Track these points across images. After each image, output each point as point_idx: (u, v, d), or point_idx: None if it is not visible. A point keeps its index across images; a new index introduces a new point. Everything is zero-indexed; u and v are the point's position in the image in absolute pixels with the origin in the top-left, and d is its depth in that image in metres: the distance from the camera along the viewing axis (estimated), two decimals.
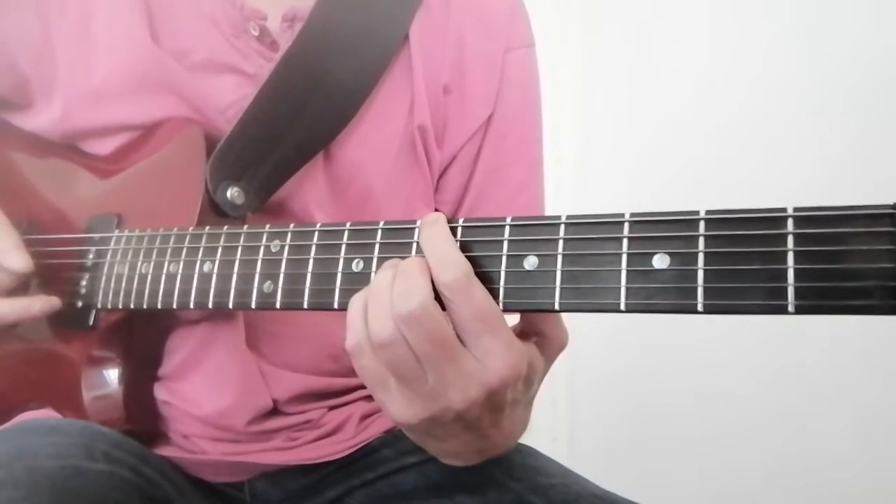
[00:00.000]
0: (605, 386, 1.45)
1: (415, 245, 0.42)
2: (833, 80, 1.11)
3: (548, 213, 0.63)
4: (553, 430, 1.47)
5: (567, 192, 1.47)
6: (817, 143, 1.12)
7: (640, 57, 1.41)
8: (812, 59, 1.14)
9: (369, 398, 0.66)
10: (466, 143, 0.63)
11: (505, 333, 0.38)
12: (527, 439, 0.61)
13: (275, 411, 0.61)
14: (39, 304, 0.56)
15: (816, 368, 1.15)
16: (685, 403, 1.31)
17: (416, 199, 0.63)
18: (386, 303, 0.38)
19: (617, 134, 1.45)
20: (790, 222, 0.33)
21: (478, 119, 0.63)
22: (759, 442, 1.21)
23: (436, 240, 0.39)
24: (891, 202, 0.31)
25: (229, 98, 0.58)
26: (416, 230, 0.41)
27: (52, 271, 0.57)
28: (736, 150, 1.22)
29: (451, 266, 0.38)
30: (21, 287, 0.58)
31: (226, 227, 0.50)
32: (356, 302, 0.40)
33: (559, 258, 0.37)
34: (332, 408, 0.64)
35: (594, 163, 1.48)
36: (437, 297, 0.38)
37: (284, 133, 0.56)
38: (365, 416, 0.65)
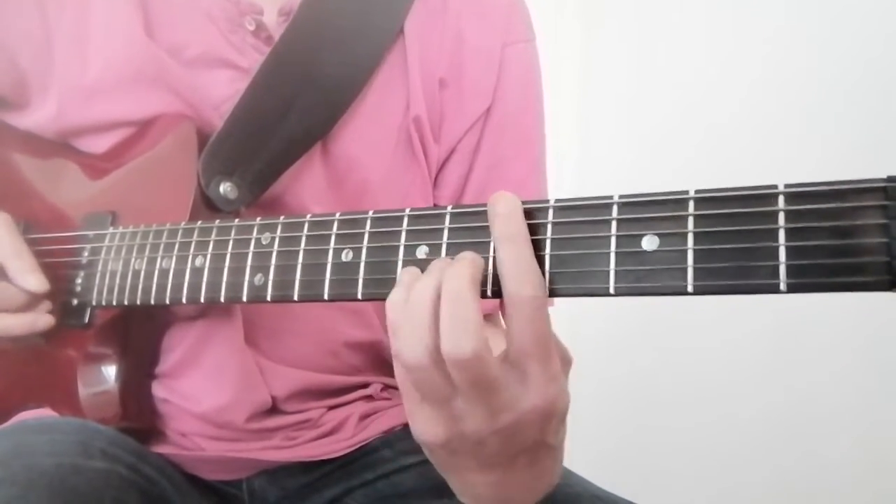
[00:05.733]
0: (605, 387, 1.44)
1: (404, 234, 0.41)
2: (833, 74, 1.11)
3: None
4: None
5: (568, 191, 1.46)
6: (818, 137, 1.12)
7: (640, 52, 1.41)
8: (812, 54, 1.14)
9: (369, 398, 0.65)
10: (464, 136, 0.63)
11: (554, 363, 0.36)
12: None
13: (274, 410, 0.61)
14: (44, 320, 0.56)
15: (818, 368, 1.13)
16: (685, 404, 1.30)
17: (414, 193, 0.63)
18: (424, 329, 0.35)
19: (618, 129, 1.44)
20: (781, 199, 0.32)
21: (475, 113, 0.62)
22: (759, 442, 1.20)
23: (517, 242, 0.35)
24: (884, 175, 0.30)
25: (224, 93, 0.58)
26: (490, 221, 0.36)
27: (48, 270, 0.58)
28: (737, 144, 1.21)
29: (534, 280, 0.35)
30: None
31: (217, 220, 0.50)
32: (393, 305, 0.37)
33: (547, 242, 0.37)
34: (331, 407, 0.63)
35: (595, 159, 1.47)
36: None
37: (276, 127, 0.56)
38: (364, 416, 0.64)
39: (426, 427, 0.38)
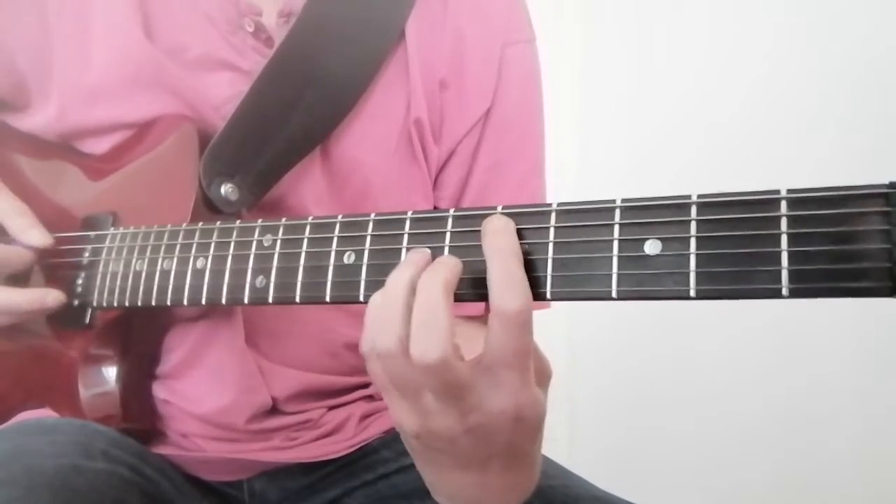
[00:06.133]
0: (605, 387, 1.44)
1: (406, 237, 0.41)
2: (835, 76, 1.11)
3: None
4: (553, 430, 1.46)
5: (568, 193, 1.46)
6: (819, 138, 1.12)
7: (640, 53, 1.41)
8: (813, 55, 1.14)
9: (369, 398, 0.65)
10: (464, 137, 0.62)
11: (530, 374, 0.37)
12: None
13: (274, 410, 0.61)
14: (53, 296, 0.56)
15: (817, 367, 1.14)
16: (685, 405, 1.31)
17: (415, 194, 0.63)
18: (397, 319, 0.36)
19: (618, 131, 1.44)
20: (784, 204, 0.32)
21: (475, 114, 0.62)
22: (758, 442, 1.21)
23: (506, 256, 0.36)
24: (886, 181, 0.30)
25: (224, 94, 0.57)
26: (483, 237, 0.37)
27: (49, 270, 0.58)
28: (737, 146, 1.21)
29: (521, 294, 0.35)
30: (24, 278, 0.58)
31: (218, 222, 0.50)
32: (373, 302, 0.38)
33: (550, 246, 0.37)
34: (331, 407, 0.64)
35: (595, 160, 1.47)
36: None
37: (278, 128, 0.56)
38: (364, 417, 0.64)
39: (400, 416, 0.39)
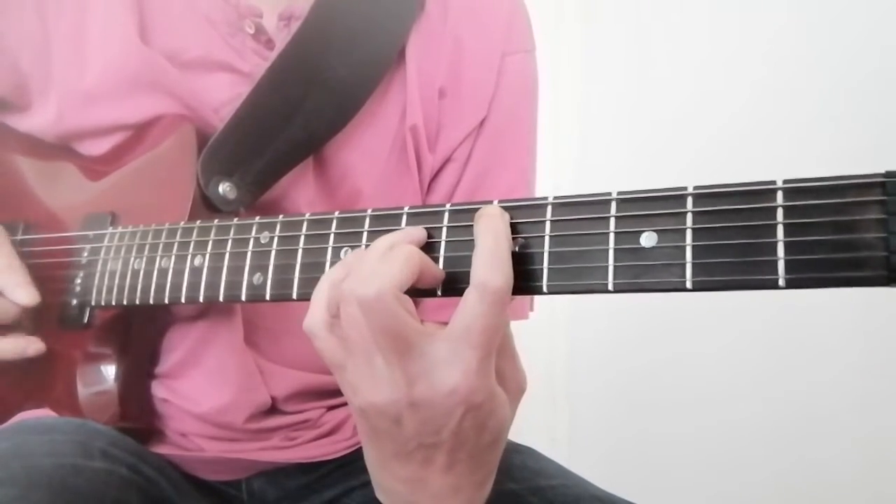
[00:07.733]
0: (605, 387, 1.44)
1: None
2: (835, 77, 1.11)
3: None
4: (553, 430, 1.46)
5: (567, 193, 1.46)
6: (819, 138, 1.11)
7: (641, 53, 1.41)
8: (814, 57, 1.14)
9: None
10: (459, 146, 0.62)
11: (490, 365, 0.36)
12: (526, 440, 0.61)
13: (273, 410, 0.61)
14: (34, 346, 0.57)
15: (817, 370, 1.13)
16: (685, 406, 1.30)
17: (405, 202, 0.62)
18: (365, 267, 0.36)
19: (619, 132, 1.44)
20: (780, 195, 0.32)
21: (471, 122, 0.62)
22: (758, 444, 1.20)
23: (499, 238, 0.36)
24: (882, 170, 0.30)
25: (223, 96, 0.58)
26: (476, 220, 0.38)
27: (48, 270, 0.58)
28: (737, 148, 1.21)
29: (506, 274, 0.35)
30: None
31: (216, 220, 0.50)
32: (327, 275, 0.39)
33: (546, 239, 0.37)
34: (330, 408, 0.64)
35: (595, 162, 1.47)
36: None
37: (280, 130, 0.56)
38: None
39: (348, 387, 0.38)
